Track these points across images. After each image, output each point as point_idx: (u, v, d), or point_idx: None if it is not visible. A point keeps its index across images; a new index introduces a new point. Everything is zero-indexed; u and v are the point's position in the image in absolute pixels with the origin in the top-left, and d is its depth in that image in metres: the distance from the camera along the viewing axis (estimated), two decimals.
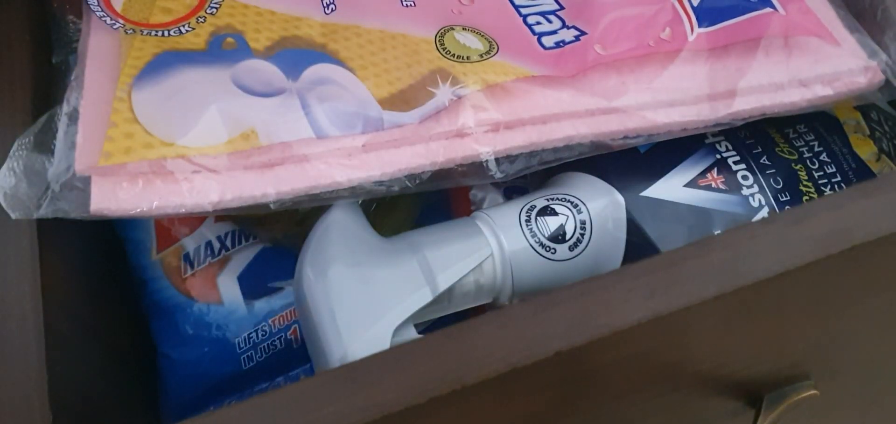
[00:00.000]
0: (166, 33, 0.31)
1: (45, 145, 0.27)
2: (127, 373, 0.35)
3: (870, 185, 0.24)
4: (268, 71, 0.30)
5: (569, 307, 0.22)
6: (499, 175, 0.30)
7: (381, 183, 0.29)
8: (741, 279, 0.23)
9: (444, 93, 0.31)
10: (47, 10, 0.31)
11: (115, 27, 0.30)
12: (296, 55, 0.31)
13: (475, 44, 0.33)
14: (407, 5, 0.34)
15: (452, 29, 0.33)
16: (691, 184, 0.33)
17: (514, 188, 0.40)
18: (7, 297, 0.25)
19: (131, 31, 0.30)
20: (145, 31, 0.30)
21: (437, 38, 0.33)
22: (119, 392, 0.33)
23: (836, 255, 0.23)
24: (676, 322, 0.23)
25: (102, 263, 0.35)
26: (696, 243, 0.23)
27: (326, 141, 0.29)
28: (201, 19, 0.31)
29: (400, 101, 0.30)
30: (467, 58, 0.32)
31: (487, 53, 0.33)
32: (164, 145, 0.27)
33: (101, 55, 0.29)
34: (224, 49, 0.30)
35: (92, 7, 0.31)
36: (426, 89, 0.31)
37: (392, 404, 0.20)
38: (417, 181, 0.29)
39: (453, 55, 0.32)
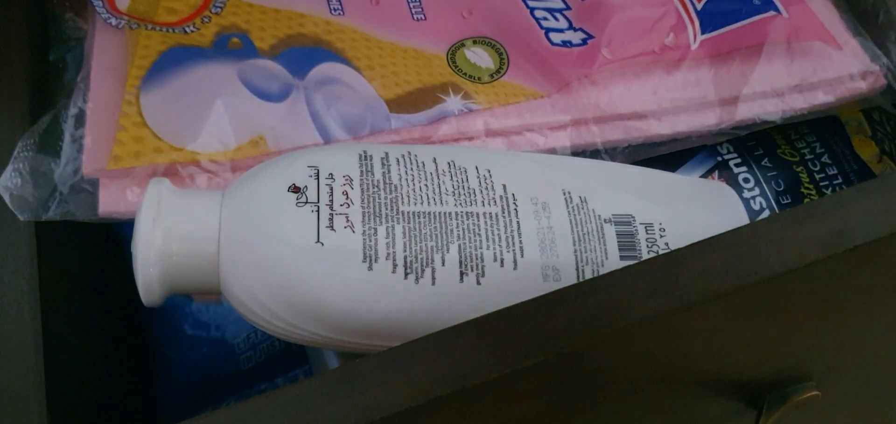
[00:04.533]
0: (170, 31, 0.30)
1: (50, 146, 0.27)
2: (125, 373, 0.35)
3: (871, 184, 0.24)
4: (274, 71, 0.30)
5: (570, 307, 0.22)
6: None
7: None
8: (743, 279, 0.22)
9: (453, 103, 0.31)
10: (45, 8, 0.31)
11: (119, 25, 0.30)
12: (302, 54, 0.31)
13: (486, 61, 0.33)
14: (418, 19, 0.34)
15: (463, 45, 0.34)
16: None
17: None
18: (5, 297, 0.25)
19: (136, 25, 0.30)
20: (150, 27, 0.30)
21: (449, 56, 0.33)
22: (117, 392, 0.33)
23: (837, 255, 0.23)
24: (678, 323, 0.23)
25: (101, 262, 0.35)
26: (697, 243, 0.23)
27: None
28: (206, 19, 0.31)
29: (407, 103, 0.30)
30: (479, 78, 0.32)
31: (498, 71, 0.33)
32: (174, 150, 0.27)
33: (106, 55, 0.29)
34: (229, 49, 0.30)
35: (96, 6, 0.30)
36: (436, 95, 0.31)
37: (392, 404, 0.20)
38: None
39: (465, 74, 0.32)
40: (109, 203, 0.27)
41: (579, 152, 0.32)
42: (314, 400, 0.20)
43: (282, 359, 0.37)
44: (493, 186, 0.26)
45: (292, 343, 0.37)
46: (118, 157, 0.27)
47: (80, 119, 0.27)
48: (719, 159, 0.35)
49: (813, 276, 0.24)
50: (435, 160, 0.26)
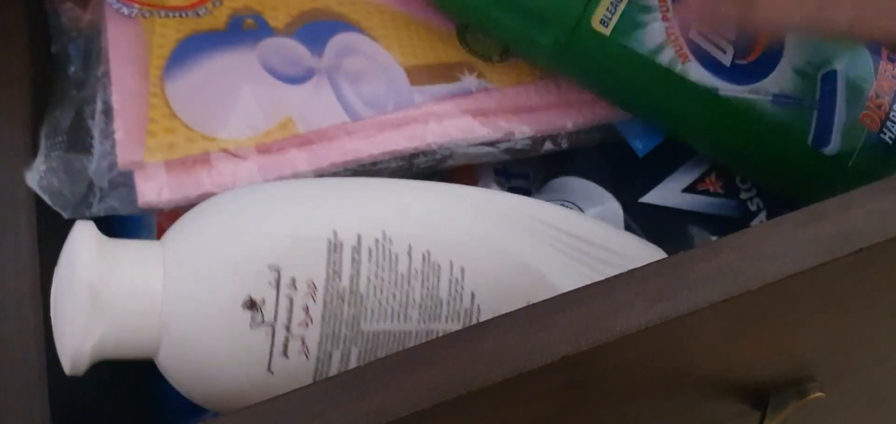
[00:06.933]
0: (183, 15, 0.30)
1: (78, 143, 0.27)
2: (127, 376, 0.35)
3: (877, 187, 0.24)
4: (293, 49, 0.30)
5: (576, 310, 0.22)
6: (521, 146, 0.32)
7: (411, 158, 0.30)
8: (749, 281, 0.22)
9: (469, 81, 0.32)
10: (46, 1, 0.31)
11: (131, 15, 0.30)
12: (317, 28, 0.31)
13: (494, 40, 0.34)
14: None
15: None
16: (689, 189, 0.33)
17: (515, 188, 0.40)
18: (6, 299, 0.25)
19: (148, 14, 0.30)
20: (162, 14, 0.30)
21: (459, 33, 0.34)
22: (119, 394, 0.33)
23: (843, 258, 0.23)
24: (683, 325, 0.23)
25: None
26: (703, 246, 0.23)
27: (362, 122, 0.29)
28: (218, 2, 0.31)
29: (426, 74, 0.31)
30: (490, 58, 0.33)
31: (507, 51, 0.34)
32: (207, 140, 0.27)
33: (123, 47, 0.29)
34: (244, 29, 0.30)
35: None
36: (453, 74, 0.32)
37: (397, 409, 0.20)
38: (437, 156, 0.30)
39: (477, 53, 0.33)
40: (148, 194, 0.26)
41: (592, 132, 0.33)
42: (319, 404, 0.20)
43: None
44: (461, 295, 0.24)
45: None
46: (152, 149, 0.26)
47: (107, 114, 0.27)
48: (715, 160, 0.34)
49: (818, 279, 0.24)
50: (410, 252, 0.24)
